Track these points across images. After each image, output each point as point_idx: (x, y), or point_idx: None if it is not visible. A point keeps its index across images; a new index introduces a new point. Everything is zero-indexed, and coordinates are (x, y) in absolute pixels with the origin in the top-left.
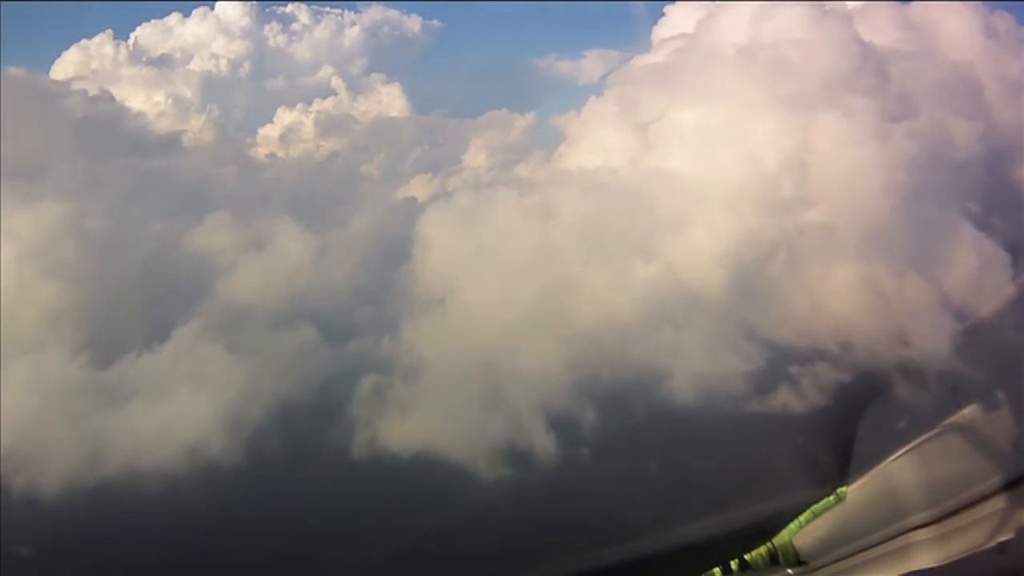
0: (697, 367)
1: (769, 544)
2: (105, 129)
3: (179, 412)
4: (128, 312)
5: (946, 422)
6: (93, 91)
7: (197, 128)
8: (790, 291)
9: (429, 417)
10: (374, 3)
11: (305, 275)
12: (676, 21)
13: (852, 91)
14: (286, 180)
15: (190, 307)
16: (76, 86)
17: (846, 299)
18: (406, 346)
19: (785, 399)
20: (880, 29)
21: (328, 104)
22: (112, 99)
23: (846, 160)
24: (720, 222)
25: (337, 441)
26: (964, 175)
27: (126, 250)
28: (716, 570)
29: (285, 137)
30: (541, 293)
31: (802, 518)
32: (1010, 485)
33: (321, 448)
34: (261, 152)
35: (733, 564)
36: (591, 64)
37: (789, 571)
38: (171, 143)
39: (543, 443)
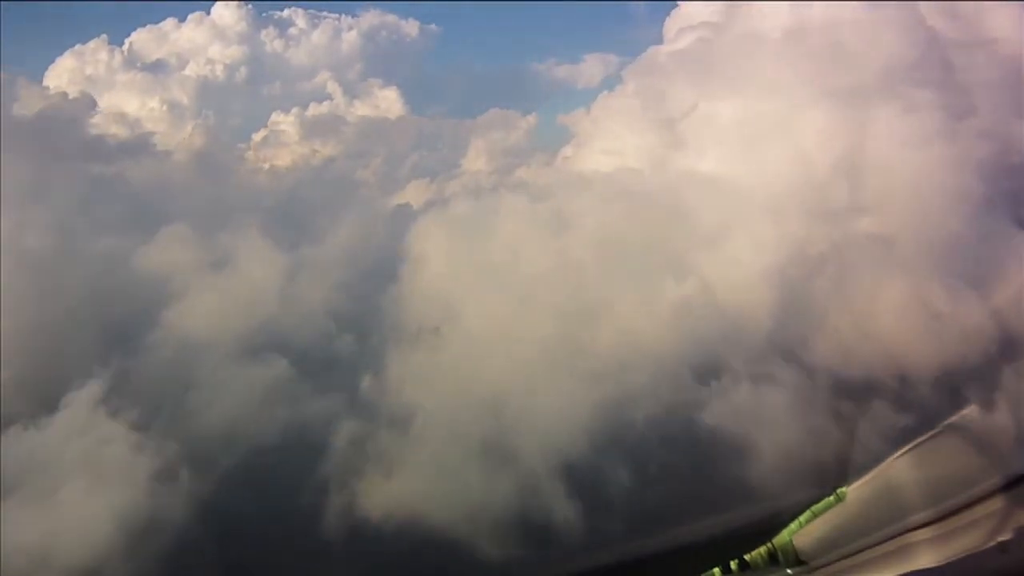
0: (734, 399)
1: (769, 544)
2: (56, 131)
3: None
4: (39, 357)
5: (946, 422)
6: (72, 93)
7: (186, 133)
8: (837, 311)
9: (421, 477)
10: (372, 8)
11: (272, 299)
12: (692, 14)
13: (914, 83)
14: (270, 188)
15: (124, 345)
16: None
17: (896, 319)
18: (394, 386)
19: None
20: (935, 17)
21: (324, 109)
22: (87, 99)
23: (905, 161)
24: (763, 232)
25: (306, 507)
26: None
27: (54, 271)
28: (716, 570)
29: (279, 142)
30: (557, 320)
31: (802, 518)
32: (1010, 485)
33: (287, 514)
34: (253, 158)
35: (733, 564)
36: (590, 68)
37: (789, 571)
38: (139, 148)
39: (564, 512)
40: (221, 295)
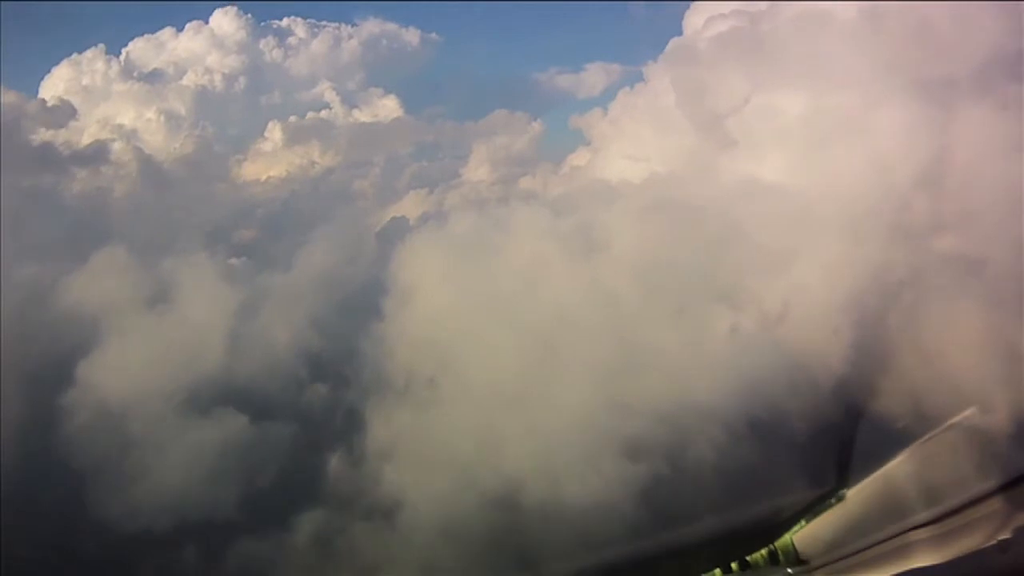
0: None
1: (770, 544)
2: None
3: None
4: None
5: (946, 423)
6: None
7: (176, 143)
8: (920, 351)
9: None
10: (372, 17)
11: (231, 339)
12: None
13: (1010, 77)
14: (256, 202)
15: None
16: None
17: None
18: (375, 455)
19: None
20: None
21: (323, 118)
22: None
23: (996, 168)
24: (832, 254)
25: None
26: None
27: None
28: (717, 571)
29: (274, 153)
30: (585, 368)
31: (802, 518)
32: (1010, 485)
33: None
34: (245, 170)
35: (734, 565)
36: (592, 77)
37: (789, 571)
38: (100, 158)
39: None
40: (165, 334)
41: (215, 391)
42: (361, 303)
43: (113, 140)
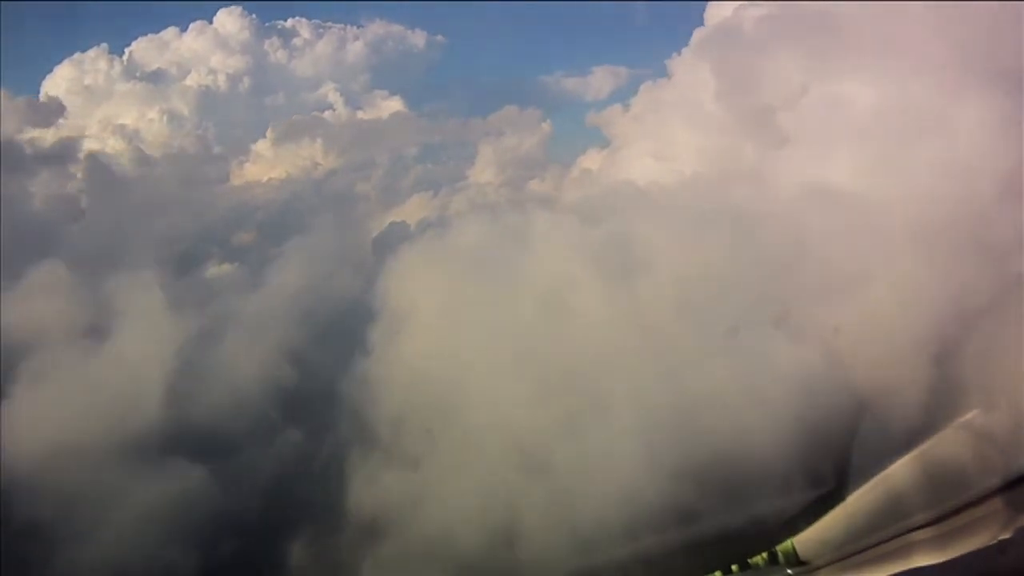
0: None
1: (770, 545)
2: None
3: None
4: None
5: (948, 424)
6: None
7: (173, 144)
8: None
9: None
10: (378, 18)
11: (189, 373)
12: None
13: None
14: (250, 206)
15: None
16: None
17: None
18: (354, 534)
19: None
20: None
21: (327, 119)
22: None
23: None
24: (906, 272)
25: None
26: None
27: None
28: (717, 573)
29: (276, 154)
30: (621, 412)
31: (802, 519)
32: (1010, 485)
33: None
34: (245, 172)
35: (734, 567)
36: (598, 80)
37: (789, 571)
38: (85, 159)
39: None
40: (110, 365)
41: (167, 437)
42: (346, 329)
43: (105, 139)
